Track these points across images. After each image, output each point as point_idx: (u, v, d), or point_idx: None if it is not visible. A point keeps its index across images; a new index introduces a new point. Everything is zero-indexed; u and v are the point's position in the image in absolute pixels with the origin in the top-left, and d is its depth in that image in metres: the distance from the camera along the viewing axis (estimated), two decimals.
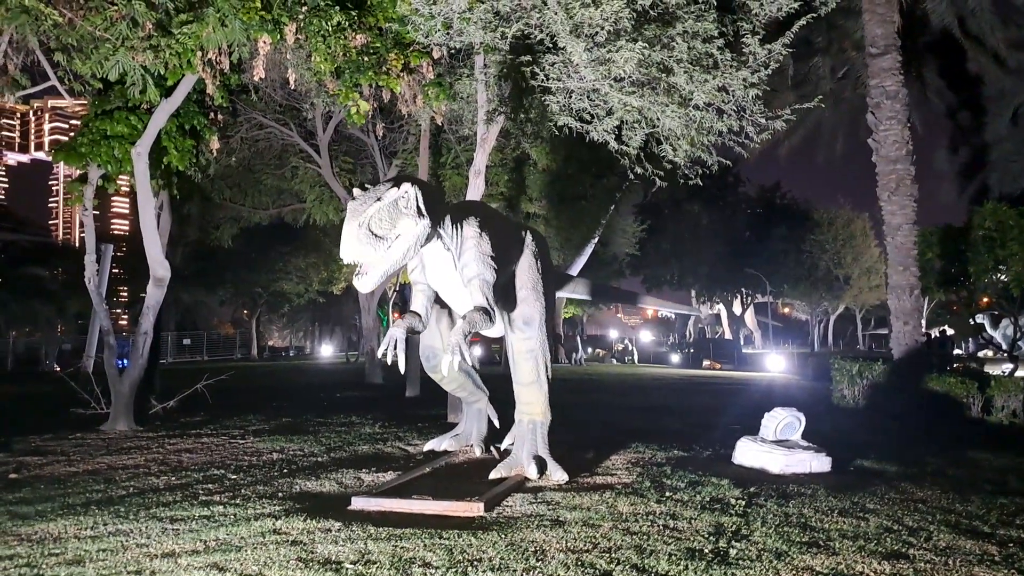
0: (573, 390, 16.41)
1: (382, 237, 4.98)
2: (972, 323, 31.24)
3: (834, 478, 6.45)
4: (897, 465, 7.10)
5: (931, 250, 18.69)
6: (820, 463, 6.69)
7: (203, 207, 17.69)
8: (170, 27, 6.97)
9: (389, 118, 13.96)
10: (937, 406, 11.04)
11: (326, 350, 48.33)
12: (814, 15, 8.38)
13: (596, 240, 21.53)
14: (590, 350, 37.20)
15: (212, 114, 10.72)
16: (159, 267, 9.28)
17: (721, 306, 49.17)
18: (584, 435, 8.64)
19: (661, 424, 10.04)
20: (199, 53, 8.01)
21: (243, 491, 5.92)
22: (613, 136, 8.59)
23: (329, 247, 28.45)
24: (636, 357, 36.73)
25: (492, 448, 7.11)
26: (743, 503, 5.49)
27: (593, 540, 4.55)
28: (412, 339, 7.05)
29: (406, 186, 5.17)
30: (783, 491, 5.87)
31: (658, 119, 8.59)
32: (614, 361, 36.30)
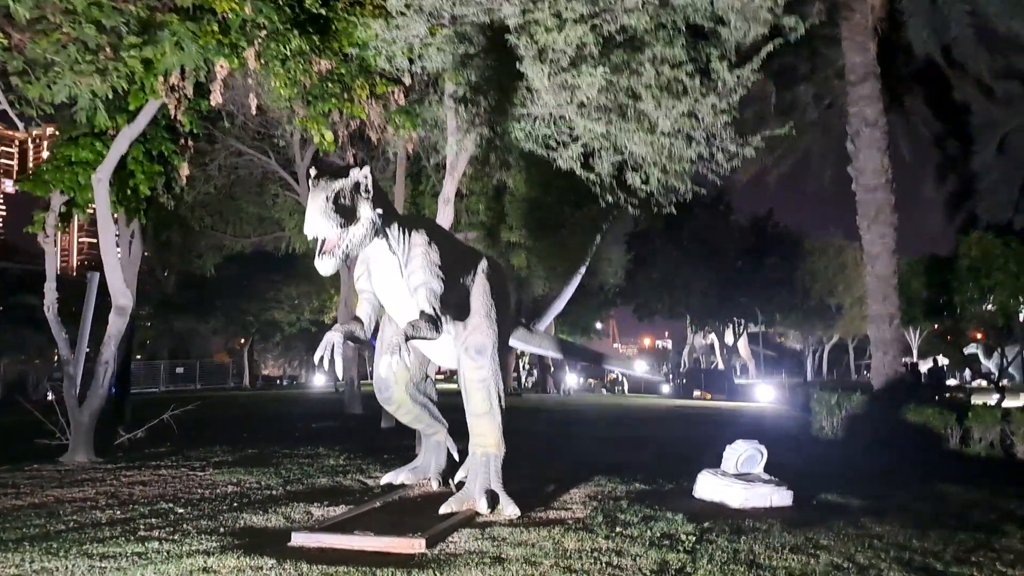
0: (553, 422, 16.26)
1: (347, 215, 4.99)
2: (963, 354, 31.11)
3: (794, 512, 6.29)
4: (862, 499, 6.94)
5: (917, 279, 18.62)
6: (781, 497, 6.52)
7: (184, 235, 17.61)
8: (120, 50, 6.91)
9: (367, 146, 13.92)
10: (915, 437, 10.89)
11: (318, 379, 47.99)
12: (782, 40, 8.33)
13: (583, 270, 21.38)
14: (581, 380, 36.92)
15: (182, 140, 10.63)
16: (120, 296, 9.14)
17: (714, 336, 48.98)
18: (550, 468, 8.46)
19: (633, 457, 9.86)
20: (160, 78, 7.96)
21: (185, 526, 5.74)
22: (579, 163, 8.51)
23: (320, 276, 28.38)
24: (626, 387, 36.47)
25: (450, 481, 6.94)
26: (693, 539, 5.32)
27: None
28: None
29: (366, 169, 5.20)
30: (737, 526, 5.71)
31: (626, 146, 8.52)
32: (604, 392, 36.04)
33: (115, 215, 10.72)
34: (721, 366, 48.35)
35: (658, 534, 5.46)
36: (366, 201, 5.11)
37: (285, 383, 49.50)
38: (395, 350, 5.21)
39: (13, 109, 7.80)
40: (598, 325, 48.64)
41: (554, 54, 7.59)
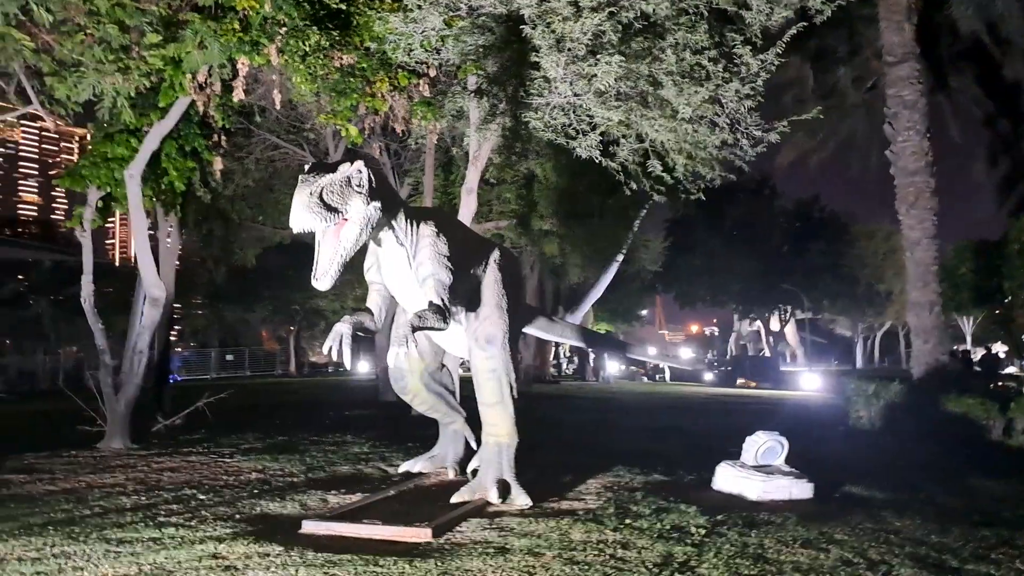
0: (587, 409, 16.21)
1: (334, 209, 4.94)
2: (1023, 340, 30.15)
3: (812, 505, 6.19)
4: (887, 492, 6.80)
5: (964, 265, 18.07)
6: (801, 489, 6.42)
7: (226, 227, 17.94)
8: (141, 49, 7.07)
9: (399, 137, 14.01)
10: (955, 428, 10.59)
11: (362, 367, 48.61)
12: (807, 23, 8.15)
13: (620, 258, 21.27)
14: (622, 367, 36.73)
15: (215, 136, 10.83)
16: (154, 287, 9.37)
17: (759, 322, 48.30)
18: (571, 457, 8.45)
19: (659, 446, 9.79)
20: (188, 75, 8.11)
21: (203, 512, 5.89)
22: (599, 151, 8.44)
23: (361, 266, 28.67)
24: (668, 375, 36.18)
25: (467, 471, 6.98)
26: (703, 532, 5.27)
27: (530, 570, 4.40)
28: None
29: (359, 163, 5.14)
30: (751, 519, 5.64)
31: (647, 133, 8.43)
32: (645, 379, 35.81)
33: (151, 209, 11.00)
34: (768, 353, 47.68)
35: (668, 527, 5.42)
36: (359, 196, 5.05)
37: (330, 370, 50.20)
38: (402, 341, 5.25)
39: (44, 108, 8.04)
40: (642, 312, 48.38)
41: (571, 43, 7.53)
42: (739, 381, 32.03)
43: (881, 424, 11.85)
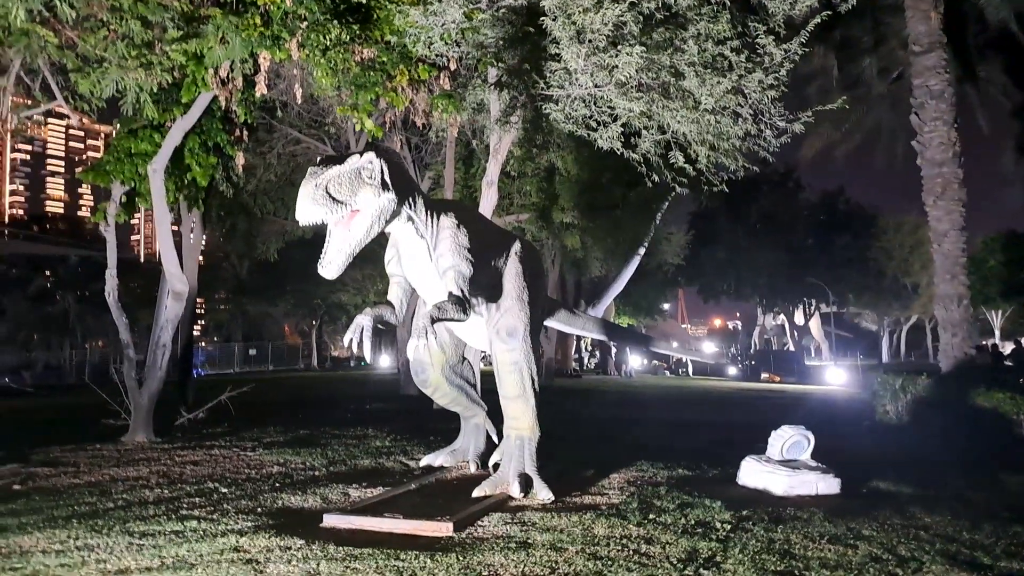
0: (609, 404, 16.13)
1: (340, 201, 4.90)
2: None
3: (839, 501, 6.10)
4: (915, 487, 6.68)
5: (993, 257, 17.76)
6: (827, 484, 6.32)
7: (248, 221, 18.05)
8: (163, 44, 7.09)
9: (420, 130, 14.00)
10: (984, 423, 10.39)
11: (384, 361, 48.77)
12: (831, 12, 8.01)
13: (642, 251, 21.14)
14: (644, 362, 36.56)
15: (238, 131, 10.86)
16: (176, 281, 9.43)
17: (783, 316, 47.88)
18: (593, 452, 8.41)
19: (682, 441, 9.72)
20: (210, 70, 8.13)
21: (225, 505, 5.90)
22: (620, 143, 8.36)
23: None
24: (691, 370, 35.96)
25: (488, 464, 6.95)
26: (729, 527, 5.21)
27: (553, 565, 4.36)
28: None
29: (370, 155, 5.11)
30: (777, 515, 5.56)
31: (668, 124, 8.34)
32: (668, 374, 35.62)
33: (174, 204, 11.06)
34: (792, 348, 47.27)
35: (692, 522, 5.36)
36: (370, 187, 5.01)
37: (353, 364, 50.50)
38: (421, 333, 5.21)
39: (68, 104, 8.09)
40: (665, 306, 48.11)
41: (592, 34, 7.45)
42: (763, 375, 31.81)
43: (908, 419, 11.67)
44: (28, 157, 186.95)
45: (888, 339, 52.76)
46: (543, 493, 5.91)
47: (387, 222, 5.22)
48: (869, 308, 44.36)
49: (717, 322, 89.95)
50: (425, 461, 7.19)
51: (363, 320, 5.37)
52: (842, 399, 19.34)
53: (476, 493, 5.89)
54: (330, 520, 5.30)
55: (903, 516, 5.62)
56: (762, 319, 54.81)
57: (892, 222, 37.39)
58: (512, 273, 6.16)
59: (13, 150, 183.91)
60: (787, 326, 50.32)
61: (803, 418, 7.56)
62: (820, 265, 36.89)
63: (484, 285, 5.89)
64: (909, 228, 36.05)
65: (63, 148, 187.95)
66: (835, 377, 29.34)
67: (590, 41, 7.48)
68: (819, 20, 7.90)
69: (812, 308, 44.81)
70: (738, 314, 78.83)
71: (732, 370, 34.83)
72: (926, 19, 12.02)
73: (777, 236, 35.72)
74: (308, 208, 4.82)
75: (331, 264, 4.98)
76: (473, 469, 6.92)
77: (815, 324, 50.88)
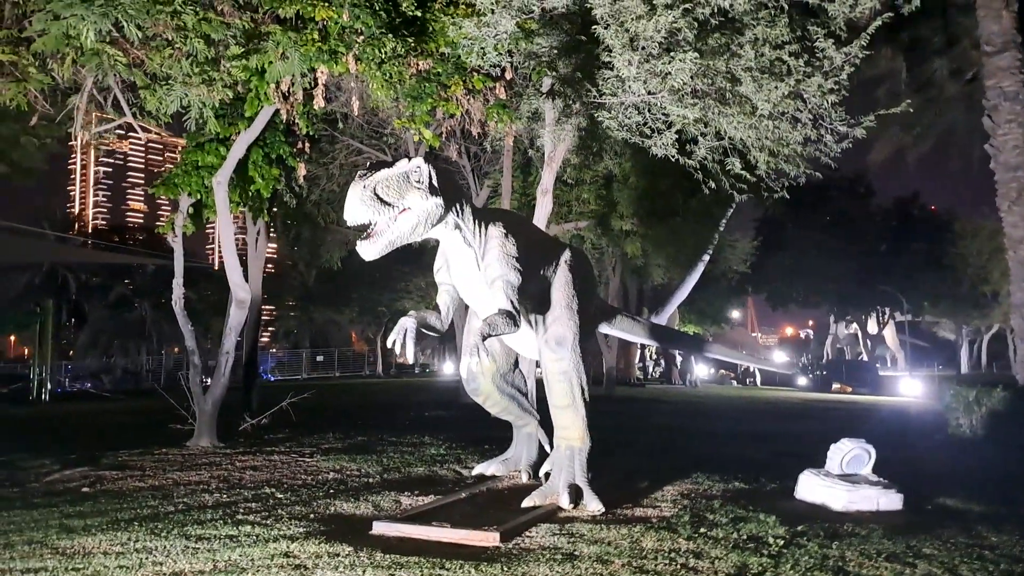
0: (669, 414, 15.91)
1: (388, 203, 4.98)
2: None
3: (902, 517, 5.88)
4: (984, 505, 6.40)
5: None
6: (889, 500, 6.11)
7: (313, 231, 18.44)
8: (225, 60, 7.32)
9: (477, 139, 14.10)
10: None
11: (448, 368, 49.16)
12: (891, 15, 7.76)
13: (706, 259, 20.82)
14: (711, 371, 35.95)
15: (300, 143, 11.13)
16: (239, 290, 9.70)
17: (856, 325, 46.50)
18: (648, 463, 8.31)
19: (742, 453, 9.52)
20: (272, 85, 8.36)
21: (280, 511, 6.03)
22: (675, 150, 8.26)
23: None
24: (759, 379, 35.19)
25: (540, 474, 6.92)
26: (781, 543, 5.07)
27: None
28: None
29: (418, 160, 5.19)
30: (834, 531, 5.39)
31: (725, 131, 8.20)
32: (734, 383, 34.93)
33: (239, 214, 11.39)
34: (865, 357, 45.85)
35: (745, 536, 5.24)
36: (418, 191, 5.07)
37: (416, 371, 51.09)
38: (473, 351, 5.23)
39: (136, 120, 8.43)
40: (734, 314, 47.27)
41: (645, 42, 7.39)
42: (835, 386, 30.92)
43: (983, 433, 11.20)
44: (110, 170, 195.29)
45: (968, 349, 50.66)
46: (593, 504, 5.85)
47: (433, 225, 5.27)
48: (946, 317, 42.69)
49: (788, 331, 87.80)
50: (477, 470, 7.21)
51: (407, 323, 5.41)
52: (915, 411, 18.67)
53: (525, 503, 5.88)
54: (379, 527, 5.36)
55: (968, 535, 5.39)
56: (834, 328, 53.33)
57: (969, 227, 35.91)
58: (561, 282, 6.14)
59: (96, 163, 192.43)
60: (860, 335, 48.84)
61: (871, 431, 7.32)
62: (893, 272, 35.70)
63: (533, 294, 5.88)
64: (987, 234, 34.49)
65: (143, 161, 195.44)
66: (910, 388, 28.37)
67: (643, 48, 7.41)
68: (880, 22, 7.65)
69: (886, 317, 43.38)
70: (810, 322, 76.83)
71: (802, 380, 33.93)
72: (998, 18, 11.56)
73: (848, 242, 34.71)
74: (356, 209, 4.92)
75: (373, 245, 5.01)
76: (525, 479, 6.91)
77: (890, 333, 49.26)
